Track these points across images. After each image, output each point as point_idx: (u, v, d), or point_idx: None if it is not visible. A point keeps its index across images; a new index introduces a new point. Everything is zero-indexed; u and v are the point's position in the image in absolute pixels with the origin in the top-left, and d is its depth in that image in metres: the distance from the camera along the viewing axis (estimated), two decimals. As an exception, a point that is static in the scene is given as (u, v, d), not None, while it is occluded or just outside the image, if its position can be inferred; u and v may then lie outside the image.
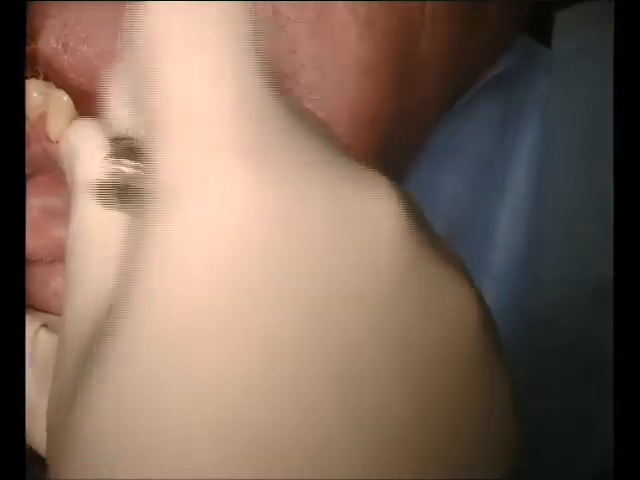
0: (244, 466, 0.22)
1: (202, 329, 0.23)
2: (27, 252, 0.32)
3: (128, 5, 0.25)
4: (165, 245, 0.23)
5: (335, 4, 0.33)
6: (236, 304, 0.23)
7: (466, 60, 0.38)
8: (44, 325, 0.31)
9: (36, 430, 0.28)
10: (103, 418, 0.23)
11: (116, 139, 0.27)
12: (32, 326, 0.31)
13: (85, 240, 0.27)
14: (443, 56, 0.36)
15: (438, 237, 0.25)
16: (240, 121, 0.24)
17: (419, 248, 0.24)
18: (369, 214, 0.24)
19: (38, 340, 0.30)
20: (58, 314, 0.33)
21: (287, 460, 0.22)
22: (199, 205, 0.23)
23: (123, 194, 0.26)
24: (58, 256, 0.33)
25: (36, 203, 0.33)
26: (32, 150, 0.33)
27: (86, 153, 0.28)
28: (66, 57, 0.36)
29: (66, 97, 0.33)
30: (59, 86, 0.34)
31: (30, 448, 0.29)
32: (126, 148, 0.26)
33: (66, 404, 0.24)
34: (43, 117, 0.33)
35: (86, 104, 0.34)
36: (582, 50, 0.43)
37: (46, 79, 0.34)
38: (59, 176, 0.33)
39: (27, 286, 0.31)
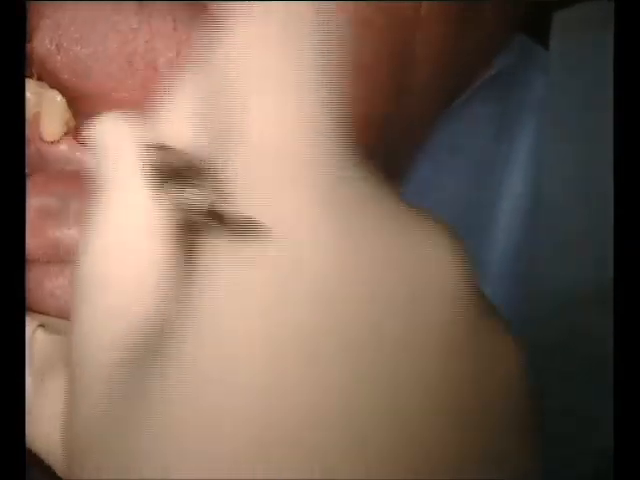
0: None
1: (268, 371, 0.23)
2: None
3: (209, 21, 0.25)
4: (242, 280, 0.24)
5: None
6: (301, 352, 0.23)
7: (461, 60, 0.38)
8: (41, 325, 0.30)
9: (34, 431, 0.28)
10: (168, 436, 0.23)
11: (164, 149, 0.27)
12: (29, 326, 0.31)
13: (113, 250, 0.26)
14: (438, 56, 0.36)
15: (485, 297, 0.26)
16: (320, 169, 0.24)
17: (477, 309, 0.25)
18: (435, 272, 0.24)
19: (35, 340, 0.30)
20: (53, 315, 0.32)
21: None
22: (277, 244, 0.23)
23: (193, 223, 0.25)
24: (54, 256, 0.33)
25: (32, 203, 0.33)
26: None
27: (121, 152, 0.27)
28: (59, 57, 0.36)
29: (59, 97, 0.33)
30: (52, 86, 0.34)
31: (29, 449, 0.29)
32: (185, 168, 0.26)
33: (107, 424, 0.24)
34: (37, 117, 0.33)
35: (79, 104, 0.34)
36: (582, 50, 0.43)
37: (40, 79, 0.34)
38: (54, 176, 0.33)
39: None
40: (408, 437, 0.23)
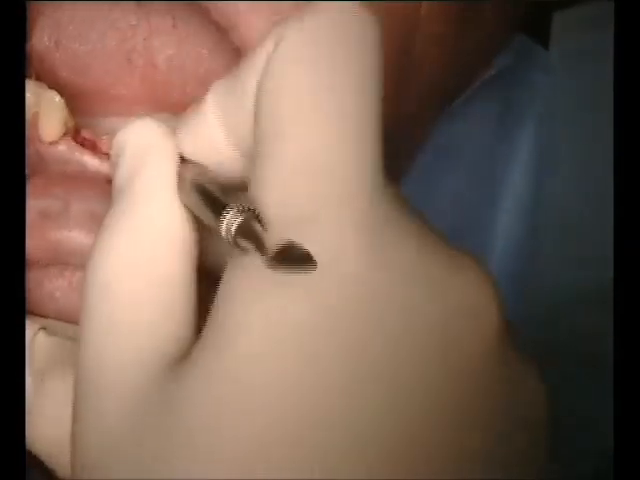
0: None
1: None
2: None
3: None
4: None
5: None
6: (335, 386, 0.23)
7: (461, 60, 0.38)
8: (42, 328, 0.30)
9: (34, 432, 0.28)
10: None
11: (197, 166, 0.27)
12: (30, 328, 0.30)
13: (135, 265, 0.26)
14: (438, 56, 0.36)
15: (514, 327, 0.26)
16: (359, 195, 0.24)
17: (508, 346, 0.25)
18: (470, 308, 0.24)
19: (36, 343, 0.29)
20: (53, 316, 0.32)
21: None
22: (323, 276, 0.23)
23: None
24: (53, 259, 0.32)
25: (31, 205, 0.32)
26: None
27: (153, 162, 0.27)
28: (58, 55, 0.36)
29: (58, 98, 0.33)
30: (50, 85, 0.34)
31: (29, 451, 0.29)
32: (219, 187, 0.25)
33: (132, 439, 0.24)
34: (35, 118, 0.33)
35: (77, 102, 0.34)
36: (582, 50, 0.43)
37: (38, 78, 0.34)
38: (54, 178, 0.33)
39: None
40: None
